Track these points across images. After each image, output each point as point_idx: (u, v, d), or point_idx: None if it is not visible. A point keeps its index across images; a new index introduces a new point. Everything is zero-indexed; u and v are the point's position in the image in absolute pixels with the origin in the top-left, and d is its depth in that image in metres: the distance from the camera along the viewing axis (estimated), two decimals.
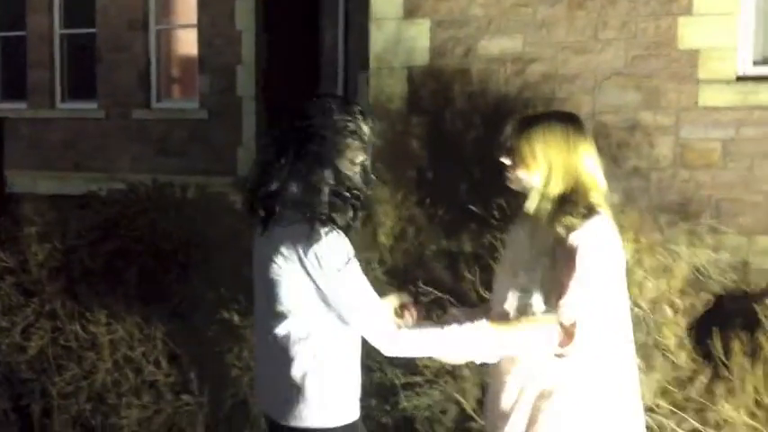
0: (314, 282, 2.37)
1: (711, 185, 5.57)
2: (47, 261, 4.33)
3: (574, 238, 2.42)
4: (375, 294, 2.43)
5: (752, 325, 3.88)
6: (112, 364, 4.16)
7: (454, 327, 2.44)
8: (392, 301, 2.70)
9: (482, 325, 2.45)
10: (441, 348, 2.49)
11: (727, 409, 3.43)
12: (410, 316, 2.66)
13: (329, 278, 2.36)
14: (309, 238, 2.35)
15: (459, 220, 5.54)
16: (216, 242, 4.79)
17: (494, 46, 6.04)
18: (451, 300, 4.06)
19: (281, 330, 2.44)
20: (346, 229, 2.42)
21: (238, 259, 4.72)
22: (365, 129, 2.47)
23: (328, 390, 2.45)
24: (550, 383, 2.49)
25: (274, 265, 2.41)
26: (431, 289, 4.04)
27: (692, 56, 5.61)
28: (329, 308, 2.40)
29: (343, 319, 2.40)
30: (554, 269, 2.46)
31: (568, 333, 2.41)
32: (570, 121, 2.58)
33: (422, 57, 6.23)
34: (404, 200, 4.96)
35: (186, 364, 4.14)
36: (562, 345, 2.42)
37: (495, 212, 4.43)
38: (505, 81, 6.02)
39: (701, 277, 3.95)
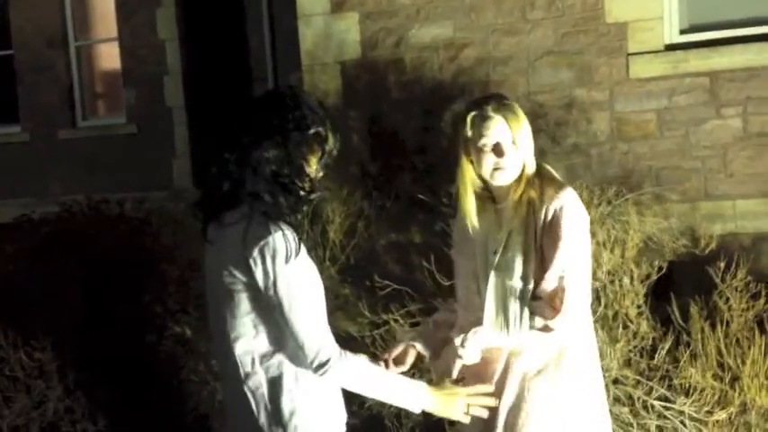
0: (261, 282, 2.11)
1: (650, 156, 5.62)
2: None
3: (555, 206, 2.40)
4: (318, 300, 2.17)
5: (706, 288, 3.91)
6: (63, 391, 4.00)
7: (399, 378, 2.30)
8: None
9: (421, 387, 2.30)
10: (379, 392, 2.26)
11: (693, 374, 3.44)
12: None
13: (273, 273, 2.09)
14: (254, 233, 2.10)
15: (406, 212, 5.50)
16: (159, 255, 4.65)
17: (424, 34, 6.01)
18: (409, 291, 4.01)
19: (240, 350, 2.18)
20: (289, 223, 2.16)
21: (183, 271, 4.60)
22: (331, 140, 2.23)
23: (305, 409, 2.18)
24: (538, 362, 2.45)
25: (224, 275, 2.15)
26: (387, 282, 3.97)
27: (621, 29, 5.65)
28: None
29: (281, 321, 2.11)
30: (530, 246, 2.42)
31: (554, 306, 2.37)
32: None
33: (353, 50, 6.16)
34: (350, 195, 4.88)
35: (142, 382, 4.00)
36: (549, 318, 2.38)
37: (445, 200, 4.40)
38: (440, 68, 5.99)
39: (653, 245, 3.96)
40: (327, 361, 2.14)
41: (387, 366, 2.53)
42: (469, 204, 2.54)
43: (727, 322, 3.64)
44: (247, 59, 9.78)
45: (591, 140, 5.73)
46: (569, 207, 2.41)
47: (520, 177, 2.47)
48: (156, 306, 4.33)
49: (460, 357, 2.43)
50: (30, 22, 10.37)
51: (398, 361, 2.59)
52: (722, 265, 3.79)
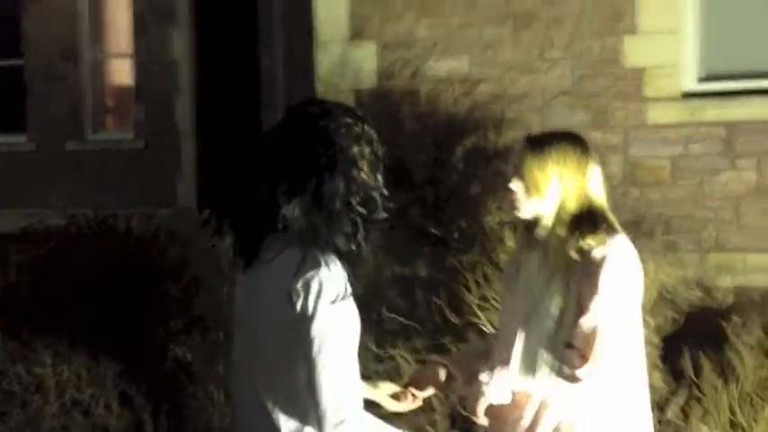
0: (300, 317, 1.95)
1: (662, 203, 5.59)
2: None
3: (600, 253, 2.32)
4: (353, 351, 2.00)
5: (718, 342, 3.85)
6: (59, 408, 3.92)
7: None
8: (385, 389, 2.41)
9: None
10: None
11: (704, 431, 3.37)
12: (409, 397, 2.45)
13: (314, 310, 1.94)
14: (305, 266, 1.96)
15: (414, 245, 5.44)
16: (164, 274, 4.59)
17: (441, 67, 6.00)
18: (416, 326, 3.95)
19: (270, 388, 2.03)
20: (353, 256, 2.01)
21: (187, 290, 4.54)
22: (373, 136, 2.09)
23: None
24: (569, 415, 2.35)
25: (265, 307, 2.02)
26: (395, 316, 3.91)
27: (638, 74, 5.65)
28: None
29: (308, 362, 1.96)
30: (569, 292, 2.35)
31: (584, 356, 2.31)
32: (579, 143, 2.47)
33: (369, 79, 6.16)
34: None
35: (139, 405, 3.93)
36: (576, 367, 2.31)
37: (456, 235, 4.35)
38: (454, 102, 5.98)
39: (666, 295, 3.91)
40: (342, 422, 1.96)
41: (409, 396, 2.45)
42: (520, 237, 2.50)
43: (741, 380, 3.58)
44: (258, 82, 9.79)
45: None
46: (614, 256, 2.32)
47: (559, 218, 2.39)
48: (159, 327, 4.27)
49: (483, 395, 2.37)
50: (44, 33, 10.37)
51: (421, 385, 2.51)
52: (737, 319, 3.73)
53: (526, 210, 2.43)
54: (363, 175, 2.07)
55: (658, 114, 5.59)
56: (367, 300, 4.65)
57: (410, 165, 5.93)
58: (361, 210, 2.04)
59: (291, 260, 1.99)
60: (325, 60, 6.26)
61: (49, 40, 10.34)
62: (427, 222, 5.47)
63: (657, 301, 3.86)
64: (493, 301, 3.93)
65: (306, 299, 1.96)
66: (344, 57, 6.19)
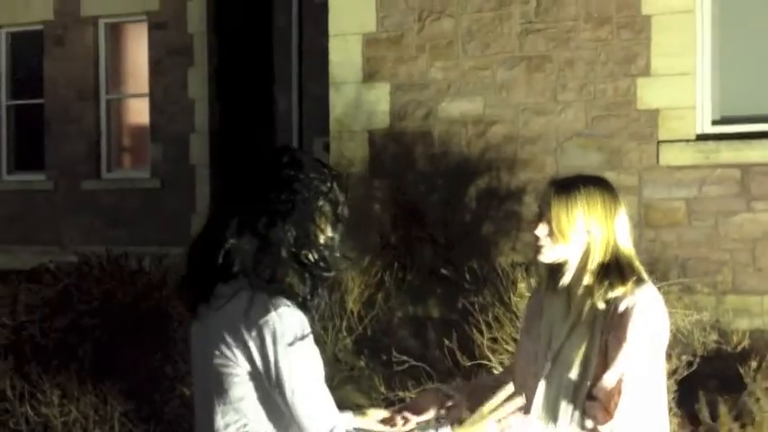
0: (261, 365, 1.93)
1: (677, 245, 5.54)
2: None
3: (627, 304, 2.23)
4: (324, 384, 1.99)
5: (734, 387, 3.78)
6: None
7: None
8: (375, 415, 2.33)
9: None
10: None
11: None
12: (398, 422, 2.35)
13: (275, 356, 1.91)
14: (255, 312, 1.92)
15: (426, 285, 5.42)
16: (172, 314, 4.57)
17: (454, 108, 6.02)
18: (426, 368, 3.90)
19: None
20: (302, 305, 1.98)
21: None
22: (339, 197, 2.07)
23: None
24: None
25: (216, 355, 1.97)
26: (405, 358, 3.87)
27: (652, 116, 5.64)
28: (276, 401, 1.95)
29: (282, 403, 1.95)
30: (593, 342, 2.28)
31: (608, 410, 2.23)
32: (606, 187, 2.35)
33: (382, 120, 6.18)
34: (370, 265, 4.81)
35: None
36: (598, 421, 2.24)
37: (468, 276, 4.32)
38: (467, 143, 5.98)
39: (681, 338, 3.85)
40: None
41: (398, 420, 2.38)
42: (543, 281, 2.41)
43: (758, 424, 3.50)
44: (273, 123, 9.86)
45: None
46: (642, 307, 2.22)
47: (585, 266, 2.30)
48: (166, 367, 4.24)
49: None
50: (62, 74, 10.51)
51: (418, 410, 2.40)
52: (754, 364, 3.67)
53: (551, 255, 2.33)
54: (319, 232, 2.05)
55: (672, 156, 5.56)
56: (379, 339, 4.63)
57: (422, 205, 5.93)
58: (309, 264, 2.02)
59: (241, 307, 1.95)
60: (339, 101, 6.29)
61: (67, 80, 10.48)
62: (439, 263, 5.45)
63: (672, 345, 3.80)
64: (503, 343, 3.88)
65: (263, 346, 1.93)
66: (358, 98, 6.22)
